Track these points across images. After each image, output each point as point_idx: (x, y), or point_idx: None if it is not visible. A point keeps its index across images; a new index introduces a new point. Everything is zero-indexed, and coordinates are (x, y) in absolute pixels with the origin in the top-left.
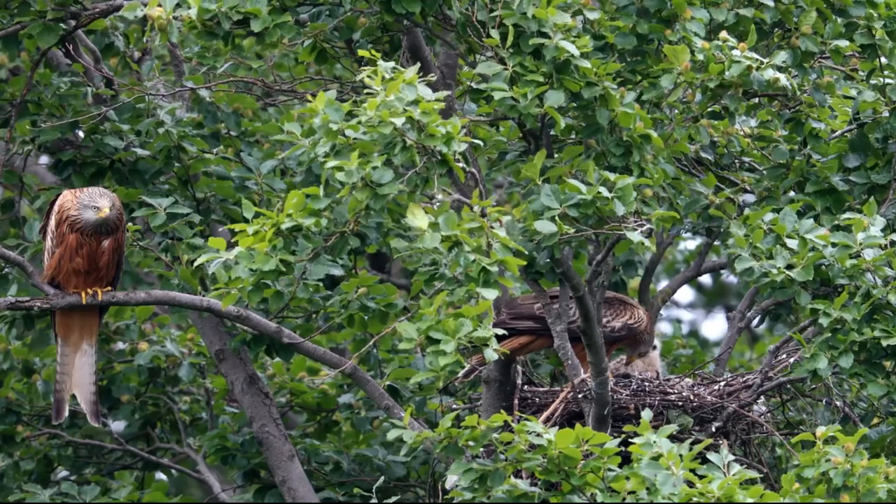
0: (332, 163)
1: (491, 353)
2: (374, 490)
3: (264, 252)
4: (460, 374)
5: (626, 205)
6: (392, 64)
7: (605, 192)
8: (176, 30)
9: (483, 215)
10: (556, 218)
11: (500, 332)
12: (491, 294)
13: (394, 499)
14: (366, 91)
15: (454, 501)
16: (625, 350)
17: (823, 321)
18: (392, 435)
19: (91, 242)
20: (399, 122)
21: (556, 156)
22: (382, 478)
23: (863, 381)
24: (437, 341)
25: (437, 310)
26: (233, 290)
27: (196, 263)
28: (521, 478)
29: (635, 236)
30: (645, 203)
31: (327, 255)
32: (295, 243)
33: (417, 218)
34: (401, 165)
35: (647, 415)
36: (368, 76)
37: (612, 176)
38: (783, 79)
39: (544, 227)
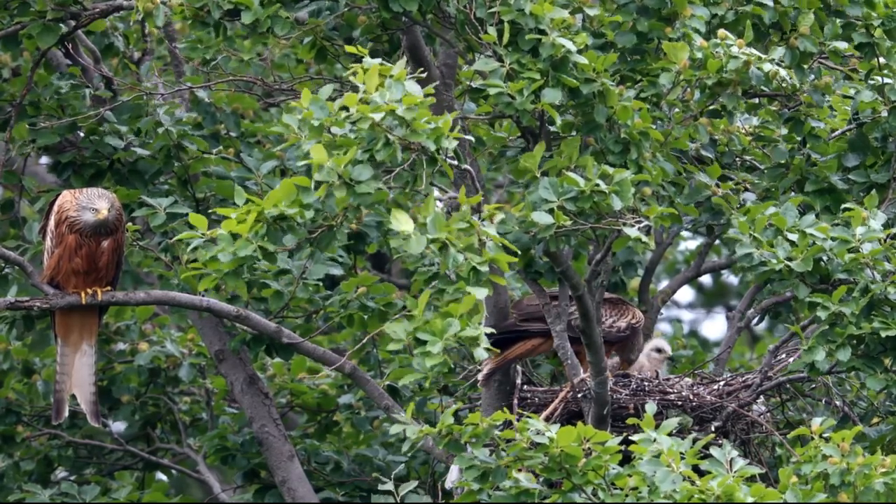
0: (303, 162)
1: (481, 353)
2: (392, 476)
3: (245, 237)
4: (480, 377)
5: (623, 199)
6: (378, 60)
7: (602, 185)
8: (162, 14)
9: (476, 212)
10: (554, 210)
11: (490, 330)
12: (481, 293)
13: (406, 487)
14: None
15: (456, 495)
16: (617, 354)
17: (821, 314)
18: (395, 430)
19: (90, 243)
20: (378, 116)
21: (553, 152)
22: (402, 465)
23: (863, 380)
24: (425, 342)
25: (423, 310)
26: (211, 272)
27: (174, 240)
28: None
29: (632, 232)
30: (644, 202)
31: (313, 247)
32: (283, 232)
33: (401, 222)
34: (388, 163)
35: (650, 408)
36: (353, 73)
37: (610, 170)
38: (782, 72)
39: (541, 217)
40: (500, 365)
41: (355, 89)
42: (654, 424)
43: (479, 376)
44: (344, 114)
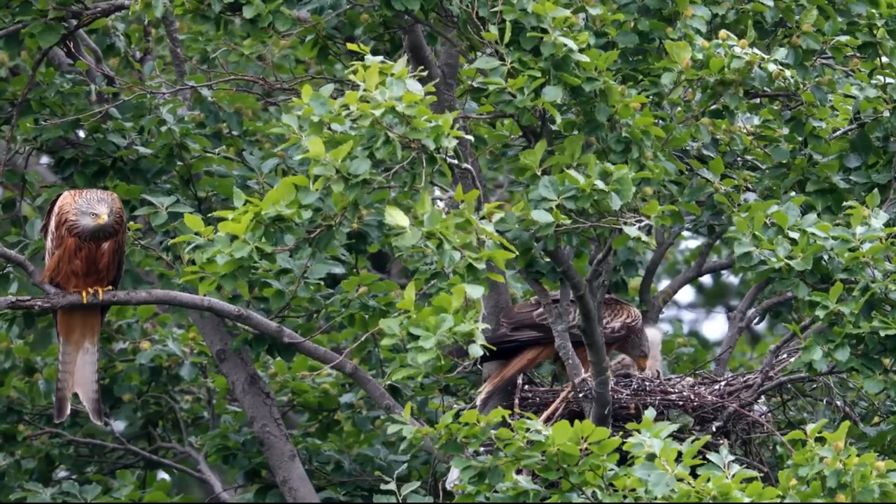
0: (299, 155)
1: (476, 349)
2: (395, 476)
3: (242, 238)
4: (478, 401)
5: (623, 198)
6: (380, 58)
7: (601, 184)
8: (161, 5)
9: (476, 210)
10: (554, 208)
11: (485, 326)
12: (477, 291)
13: (408, 488)
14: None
15: (457, 496)
16: (625, 352)
17: (820, 313)
18: (392, 430)
19: (90, 246)
20: (378, 112)
21: (555, 149)
22: (405, 464)
23: (861, 381)
24: (417, 337)
25: (414, 300)
26: (208, 274)
27: (171, 243)
28: (521, 474)
29: (632, 231)
30: (645, 201)
31: (311, 247)
32: (281, 234)
33: (396, 217)
34: (388, 161)
35: (650, 413)
36: (353, 71)
37: (612, 167)
38: (787, 72)
39: (541, 216)
40: (497, 386)
41: (356, 87)
42: (654, 426)
43: (477, 400)
44: (345, 112)
